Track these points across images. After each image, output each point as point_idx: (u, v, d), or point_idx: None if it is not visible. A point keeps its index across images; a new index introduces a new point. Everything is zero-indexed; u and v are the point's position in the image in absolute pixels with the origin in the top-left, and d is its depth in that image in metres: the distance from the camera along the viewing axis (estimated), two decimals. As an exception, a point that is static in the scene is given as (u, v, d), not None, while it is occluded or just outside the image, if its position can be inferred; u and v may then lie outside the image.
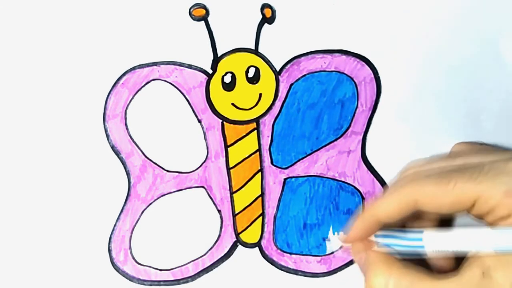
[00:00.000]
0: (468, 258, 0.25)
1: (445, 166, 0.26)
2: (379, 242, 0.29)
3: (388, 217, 0.27)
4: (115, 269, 0.32)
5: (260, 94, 0.33)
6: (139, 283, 0.32)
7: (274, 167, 0.34)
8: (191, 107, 0.33)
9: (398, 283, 0.25)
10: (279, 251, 0.34)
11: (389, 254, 0.28)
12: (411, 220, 0.30)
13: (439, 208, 0.25)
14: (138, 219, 0.33)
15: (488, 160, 0.25)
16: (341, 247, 0.33)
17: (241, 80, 0.33)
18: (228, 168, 0.33)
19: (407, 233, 0.28)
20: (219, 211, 0.33)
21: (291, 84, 0.34)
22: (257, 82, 0.33)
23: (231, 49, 0.33)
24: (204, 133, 0.33)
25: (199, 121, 0.33)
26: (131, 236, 0.32)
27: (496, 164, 0.24)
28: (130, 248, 0.32)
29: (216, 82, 0.33)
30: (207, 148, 0.33)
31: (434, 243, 0.26)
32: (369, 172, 0.35)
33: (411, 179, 0.26)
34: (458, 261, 0.27)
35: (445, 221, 0.31)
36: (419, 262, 0.29)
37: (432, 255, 0.28)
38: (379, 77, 0.34)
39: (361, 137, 0.34)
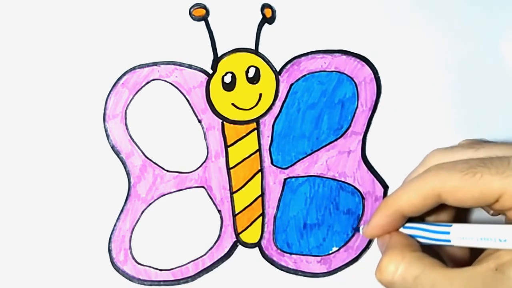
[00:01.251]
0: (486, 253, 0.25)
1: (471, 159, 0.25)
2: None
3: (412, 211, 0.27)
4: (115, 269, 0.32)
5: (260, 94, 0.33)
6: (139, 283, 0.32)
7: (274, 167, 0.34)
8: (191, 107, 0.33)
9: (408, 269, 0.25)
10: (279, 251, 0.34)
11: (410, 237, 0.28)
12: (427, 213, 0.29)
13: (463, 201, 0.25)
14: (138, 219, 0.33)
15: None
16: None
17: (241, 80, 0.33)
18: (228, 168, 0.33)
19: (434, 226, 0.28)
20: (219, 211, 0.33)
21: (291, 84, 0.34)
22: (257, 82, 0.33)
23: (231, 49, 0.33)
24: (204, 133, 0.33)
25: (199, 121, 0.33)
26: (131, 236, 0.32)
27: None
28: (130, 248, 0.32)
29: (216, 82, 0.33)
30: (207, 148, 0.33)
31: (460, 237, 0.26)
32: (369, 172, 0.35)
33: (435, 171, 0.26)
34: (474, 256, 0.27)
35: (460, 214, 0.31)
36: (435, 254, 0.29)
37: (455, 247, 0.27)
38: (379, 77, 0.34)
39: (361, 137, 0.34)
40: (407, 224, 0.30)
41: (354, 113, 0.34)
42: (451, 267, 0.25)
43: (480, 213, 0.30)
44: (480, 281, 0.23)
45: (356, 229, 0.34)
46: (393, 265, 0.26)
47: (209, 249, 0.33)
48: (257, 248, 0.34)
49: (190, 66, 0.33)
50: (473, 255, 0.28)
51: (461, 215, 0.32)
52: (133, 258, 0.32)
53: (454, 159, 0.26)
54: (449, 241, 0.27)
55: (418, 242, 0.29)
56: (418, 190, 0.26)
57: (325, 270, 0.35)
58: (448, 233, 0.27)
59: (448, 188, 0.25)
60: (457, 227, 0.27)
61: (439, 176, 0.25)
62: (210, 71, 0.33)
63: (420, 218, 0.30)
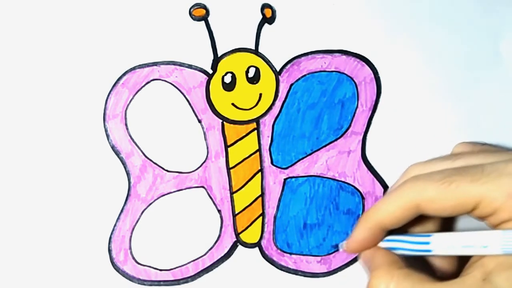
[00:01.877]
0: (471, 262, 0.25)
1: (446, 169, 0.26)
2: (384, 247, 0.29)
3: (392, 223, 0.27)
4: (115, 269, 0.32)
5: (260, 94, 0.33)
6: (139, 283, 0.32)
7: (274, 167, 0.34)
8: (191, 107, 0.33)
9: (399, 286, 0.25)
10: (279, 251, 0.34)
11: (394, 253, 0.28)
12: (412, 224, 0.30)
13: (442, 211, 0.25)
14: (138, 219, 0.33)
15: (489, 161, 0.25)
16: None
17: (241, 80, 0.33)
18: (228, 168, 0.33)
19: (414, 237, 0.28)
20: (219, 211, 0.33)
21: (291, 84, 0.34)
22: (257, 82, 0.33)
23: (231, 49, 0.33)
24: (204, 133, 0.33)
25: (199, 121, 0.33)
26: (131, 236, 0.32)
27: (497, 165, 0.24)
28: (130, 248, 0.32)
29: (216, 82, 0.33)
30: (207, 148, 0.33)
31: (442, 247, 0.26)
32: (369, 172, 0.35)
33: (411, 183, 0.26)
34: (462, 264, 0.27)
35: (447, 223, 0.31)
36: (422, 265, 0.29)
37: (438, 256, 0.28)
38: (379, 77, 0.34)
39: (361, 137, 0.34)
40: (388, 237, 0.29)
41: (354, 113, 0.34)
42: (439, 279, 0.25)
43: (468, 221, 0.30)
44: None
45: (336, 247, 0.34)
46: (383, 285, 0.26)
47: (209, 249, 0.33)
48: (257, 248, 0.34)
49: (190, 66, 0.33)
50: (460, 263, 0.28)
51: (448, 224, 0.32)
52: (133, 258, 0.32)
53: (432, 170, 0.27)
54: (430, 251, 0.27)
55: (401, 255, 0.29)
56: (396, 202, 0.26)
57: (325, 270, 0.35)
58: (428, 243, 0.27)
59: (425, 198, 0.25)
60: (437, 236, 0.27)
61: (416, 187, 0.26)
62: (210, 71, 0.33)
63: (404, 231, 0.30)
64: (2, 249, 0.31)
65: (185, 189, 0.33)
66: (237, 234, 0.34)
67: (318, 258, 0.34)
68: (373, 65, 0.34)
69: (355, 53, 0.34)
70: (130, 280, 0.32)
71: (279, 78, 0.33)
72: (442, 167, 0.26)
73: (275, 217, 0.34)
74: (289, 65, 0.33)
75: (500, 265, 0.23)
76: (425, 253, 0.27)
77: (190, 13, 0.33)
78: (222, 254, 0.33)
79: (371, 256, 0.28)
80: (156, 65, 0.32)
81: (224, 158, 0.33)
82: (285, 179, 0.34)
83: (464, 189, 0.24)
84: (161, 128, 0.33)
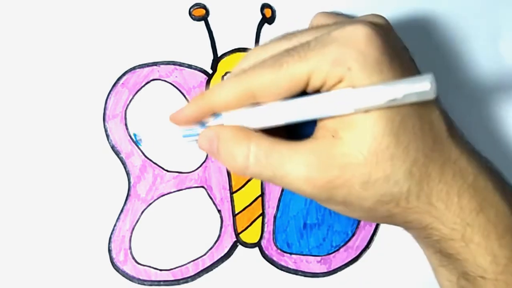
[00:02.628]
0: (318, 127, 0.26)
1: (278, 52, 0.26)
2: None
3: (225, 109, 0.27)
4: (115, 269, 0.32)
5: (260, 94, 0.33)
6: (139, 283, 0.32)
7: (274, 167, 0.34)
8: (191, 107, 0.33)
9: (258, 147, 0.25)
10: (279, 251, 0.34)
11: (242, 126, 0.27)
12: None
13: (277, 95, 0.25)
14: (138, 219, 0.33)
15: (318, 35, 0.25)
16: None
17: (241, 80, 0.33)
18: (228, 168, 0.33)
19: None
20: (219, 211, 0.33)
21: (291, 84, 0.34)
22: (257, 82, 0.33)
23: (231, 49, 0.33)
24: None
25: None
26: (131, 236, 0.32)
27: (321, 37, 0.25)
28: (130, 248, 0.32)
29: (216, 82, 0.33)
30: (207, 148, 0.33)
31: (292, 113, 0.26)
32: (369, 172, 0.35)
33: (248, 72, 0.26)
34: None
35: None
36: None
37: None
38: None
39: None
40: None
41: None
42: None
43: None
44: (322, 148, 0.25)
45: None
46: (245, 148, 0.26)
47: (209, 249, 0.33)
48: (257, 248, 0.34)
49: (190, 66, 0.33)
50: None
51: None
52: (133, 258, 0.32)
53: (271, 52, 0.26)
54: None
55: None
56: (232, 90, 0.26)
57: (325, 270, 0.35)
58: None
59: (259, 85, 0.25)
60: (277, 104, 0.26)
61: (251, 76, 0.25)
62: (210, 71, 0.33)
63: None
64: (2, 249, 0.31)
65: (185, 189, 0.33)
66: (237, 234, 0.34)
67: (318, 258, 0.34)
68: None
69: (355, 53, 0.34)
70: (130, 280, 0.32)
71: (279, 78, 0.33)
72: (276, 50, 0.26)
73: (275, 217, 0.34)
74: (289, 65, 0.33)
75: (342, 123, 0.24)
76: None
77: (190, 13, 0.33)
78: (222, 254, 0.33)
79: (216, 130, 0.27)
80: (156, 65, 0.32)
81: (224, 158, 0.33)
82: (285, 179, 0.34)
83: (294, 67, 0.24)
84: (161, 128, 0.33)
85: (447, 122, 0.26)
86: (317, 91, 0.25)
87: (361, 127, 0.24)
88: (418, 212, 0.25)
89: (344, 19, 0.28)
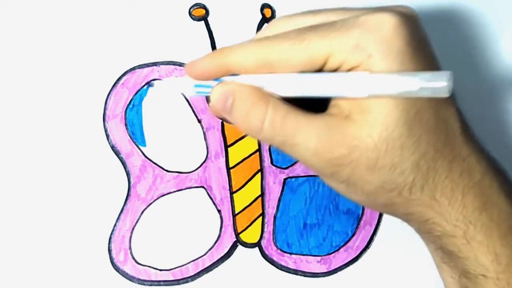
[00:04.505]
0: (332, 103, 0.26)
1: (303, 26, 0.26)
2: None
3: (241, 71, 0.26)
4: (115, 269, 0.32)
5: (260, 94, 0.33)
6: (139, 283, 0.32)
7: (274, 167, 0.34)
8: (191, 107, 0.33)
9: (275, 111, 0.25)
10: (279, 251, 0.34)
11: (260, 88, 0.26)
12: None
13: (294, 68, 0.25)
14: (138, 219, 0.33)
15: (345, 17, 0.25)
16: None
17: (241, 80, 0.33)
18: (228, 168, 0.33)
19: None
20: (219, 211, 0.33)
21: (291, 84, 0.34)
22: (257, 82, 0.33)
23: (231, 49, 0.33)
24: (204, 133, 0.33)
25: (199, 121, 0.33)
26: (131, 236, 0.32)
27: (348, 20, 0.24)
28: (130, 248, 0.32)
29: (216, 82, 0.33)
30: (207, 148, 0.33)
31: (301, 89, 0.25)
32: (369, 172, 0.34)
33: (268, 40, 0.26)
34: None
35: None
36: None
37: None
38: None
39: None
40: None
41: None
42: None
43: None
44: (334, 126, 0.24)
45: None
46: (262, 109, 0.25)
47: (209, 249, 0.33)
48: (257, 248, 0.34)
49: (190, 66, 0.33)
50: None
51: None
52: (133, 258, 0.32)
53: (294, 25, 0.26)
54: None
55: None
56: (251, 56, 0.25)
57: (325, 270, 0.35)
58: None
59: (279, 56, 0.25)
60: (295, 76, 0.25)
61: (271, 46, 0.25)
62: (210, 71, 0.33)
63: None
64: (2, 249, 0.31)
65: (185, 189, 0.33)
66: (237, 234, 0.34)
67: (318, 258, 0.34)
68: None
69: (355, 53, 0.34)
70: (130, 280, 0.32)
71: (279, 78, 0.33)
72: (300, 24, 0.26)
73: (275, 217, 0.34)
74: (289, 65, 0.33)
75: (356, 107, 0.24)
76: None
77: (190, 13, 0.33)
78: (222, 254, 0.33)
79: (232, 87, 0.26)
80: (156, 65, 0.32)
81: (224, 158, 0.33)
82: (285, 179, 0.34)
83: (315, 44, 0.24)
84: (161, 128, 0.33)
85: (462, 121, 0.26)
86: (333, 72, 0.25)
87: (375, 114, 0.24)
88: (420, 204, 0.25)
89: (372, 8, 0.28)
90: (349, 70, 0.24)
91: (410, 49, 0.24)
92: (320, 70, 0.25)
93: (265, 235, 0.34)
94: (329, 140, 0.24)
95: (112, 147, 0.32)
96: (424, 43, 0.26)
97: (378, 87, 0.23)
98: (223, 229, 0.33)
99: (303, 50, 0.24)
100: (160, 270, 0.33)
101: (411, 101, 0.24)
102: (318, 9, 0.27)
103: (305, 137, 0.25)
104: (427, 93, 0.23)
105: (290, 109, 0.25)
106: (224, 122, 0.33)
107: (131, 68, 0.32)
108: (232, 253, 0.33)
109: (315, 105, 0.26)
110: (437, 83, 0.23)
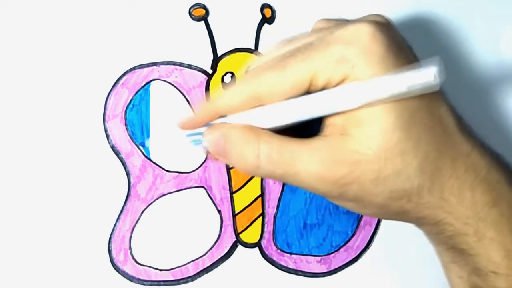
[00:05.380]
0: (325, 124, 0.26)
1: (282, 54, 0.26)
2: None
3: (228, 112, 0.26)
4: (115, 269, 0.32)
5: (260, 94, 0.33)
6: (139, 283, 0.32)
7: (274, 167, 0.34)
8: (191, 107, 0.33)
9: (269, 145, 0.25)
10: (279, 251, 0.34)
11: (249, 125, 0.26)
12: None
13: (282, 95, 0.25)
14: (138, 219, 0.33)
15: (321, 36, 0.25)
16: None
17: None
18: (228, 168, 0.33)
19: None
20: (219, 211, 0.33)
21: (291, 84, 0.34)
22: (257, 82, 0.33)
23: (231, 49, 0.33)
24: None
25: (199, 121, 0.33)
26: (131, 236, 0.32)
27: (324, 37, 0.25)
28: (130, 248, 0.32)
29: (216, 82, 0.33)
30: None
31: (298, 111, 0.25)
32: (369, 172, 0.34)
33: (252, 76, 0.26)
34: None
35: None
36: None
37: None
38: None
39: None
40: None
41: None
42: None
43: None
44: (332, 146, 0.24)
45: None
46: (255, 146, 0.25)
47: (209, 249, 0.33)
48: (257, 248, 0.34)
49: (190, 66, 0.33)
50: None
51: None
52: (133, 258, 0.32)
53: (274, 56, 0.26)
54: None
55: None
56: (238, 96, 0.26)
57: (325, 270, 0.35)
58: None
59: (264, 87, 0.25)
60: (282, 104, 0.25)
61: (255, 80, 0.25)
62: (210, 71, 0.33)
63: None
64: (2, 249, 0.31)
65: (185, 189, 0.33)
66: (237, 234, 0.34)
67: (318, 258, 0.34)
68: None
69: (355, 53, 0.34)
70: (130, 280, 0.32)
71: (279, 78, 0.33)
72: (280, 53, 0.26)
73: (275, 217, 0.34)
74: (289, 65, 0.33)
75: (348, 120, 0.24)
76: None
77: (190, 13, 0.33)
78: (222, 254, 0.33)
79: (222, 130, 0.26)
80: (156, 65, 0.32)
81: (224, 158, 0.33)
82: (285, 179, 0.34)
83: (297, 68, 0.24)
84: (161, 128, 0.33)
85: (456, 117, 0.26)
86: (321, 90, 0.25)
87: (370, 124, 0.24)
88: (430, 207, 0.25)
89: (345, 21, 0.28)
90: (336, 85, 0.24)
91: (391, 54, 0.24)
92: (308, 92, 0.25)
93: (265, 235, 0.34)
94: (329, 161, 0.24)
95: (112, 147, 0.32)
96: (403, 46, 0.26)
97: (368, 94, 0.23)
98: (223, 229, 0.33)
99: (287, 76, 0.24)
100: (160, 270, 0.33)
101: (404, 104, 0.24)
102: (291, 36, 0.27)
103: (305, 163, 0.25)
104: (418, 86, 0.23)
105: (284, 140, 0.25)
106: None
107: (131, 68, 0.32)
108: (232, 253, 0.33)
109: (308, 132, 0.26)
110: (427, 74, 0.23)
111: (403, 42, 0.26)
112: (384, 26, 0.25)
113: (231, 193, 0.33)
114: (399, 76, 0.23)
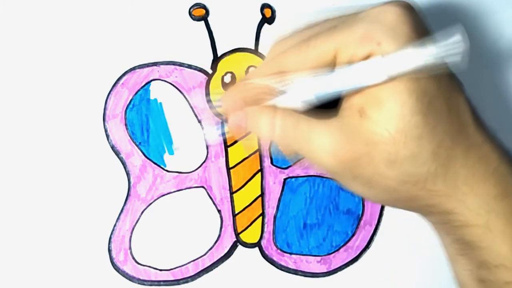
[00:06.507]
0: (342, 106, 0.26)
1: (305, 34, 0.26)
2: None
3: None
4: (115, 269, 0.32)
5: (260, 94, 0.33)
6: (139, 283, 0.32)
7: (274, 167, 0.34)
8: (191, 107, 0.33)
9: (283, 122, 0.26)
10: (279, 251, 0.34)
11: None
12: None
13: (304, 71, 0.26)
14: (138, 219, 0.33)
15: (343, 19, 0.26)
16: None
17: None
18: (228, 168, 0.33)
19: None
20: (219, 211, 0.33)
21: (291, 84, 0.34)
22: (257, 82, 0.33)
23: (231, 49, 0.33)
24: (204, 133, 0.33)
25: (199, 121, 0.33)
26: (131, 236, 0.32)
27: (348, 19, 0.25)
28: (130, 248, 0.32)
29: (216, 82, 0.33)
30: (207, 148, 0.33)
31: (318, 88, 0.26)
32: (369, 172, 0.34)
33: (277, 56, 0.26)
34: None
35: None
36: None
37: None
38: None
39: (361, 137, 0.34)
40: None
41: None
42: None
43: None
44: (349, 126, 0.24)
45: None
46: (269, 118, 0.26)
47: (209, 249, 0.33)
48: (257, 248, 0.34)
49: (190, 66, 0.33)
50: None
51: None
52: (133, 258, 0.32)
53: (297, 39, 0.27)
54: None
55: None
56: (264, 70, 0.27)
57: (325, 270, 0.35)
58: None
59: (288, 65, 0.26)
60: (306, 79, 0.26)
61: (280, 59, 0.26)
62: (210, 71, 0.33)
63: None
64: (2, 249, 0.31)
65: (185, 189, 0.33)
66: (237, 234, 0.34)
67: (318, 258, 0.34)
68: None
69: (355, 53, 0.34)
70: (130, 280, 0.32)
71: (279, 78, 0.33)
72: (302, 35, 0.27)
73: (275, 217, 0.34)
74: (289, 65, 0.33)
75: (369, 99, 0.24)
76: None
77: (190, 13, 0.33)
78: (222, 254, 0.33)
79: (245, 112, 0.28)
80: (156, 65, 0.32)
81: (224, 158, 0.33)
82: (285, 179, 0.34)
83: (321, 45, 0.25)
84: (162, 128, 0.33)
85: (472, 109, 0.26)
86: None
87: (389, 105, 0.24)
88: (442, 195, 0.25)
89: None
90: (359, 61, 0.24)
91: (416, 35, 0.24)
92: (333, 68, 0.25)
93: (265, 235, 0.34)
94: (346, 140, 0.24)
95: (112, 147, 0.32)
96: (427, 31, 0.26)
97: (394, 66, 0.23)
98: (223, 229, 0.33)
99: (311, 53, 0.25)
100: (160, 270, 0.33)
101: (424, 90, 0.24)
102: (313, 21, 0.27)
103: (321, 140, 0.25)
104: (443, 54, 0.22)
105: (301, 117, 0.25)
106: (224, 122, 0.33)
107: (131, 68, 0.32)
108: (232, 253, 0.33)
109: (326, 113, 0.26)
110: (450, 41, 0.22)
111: (428, 28, 0.26)
112: (411, 9, 0.25)
113: (231, 193, 0.33)
114: (425, 47, 0.23)
